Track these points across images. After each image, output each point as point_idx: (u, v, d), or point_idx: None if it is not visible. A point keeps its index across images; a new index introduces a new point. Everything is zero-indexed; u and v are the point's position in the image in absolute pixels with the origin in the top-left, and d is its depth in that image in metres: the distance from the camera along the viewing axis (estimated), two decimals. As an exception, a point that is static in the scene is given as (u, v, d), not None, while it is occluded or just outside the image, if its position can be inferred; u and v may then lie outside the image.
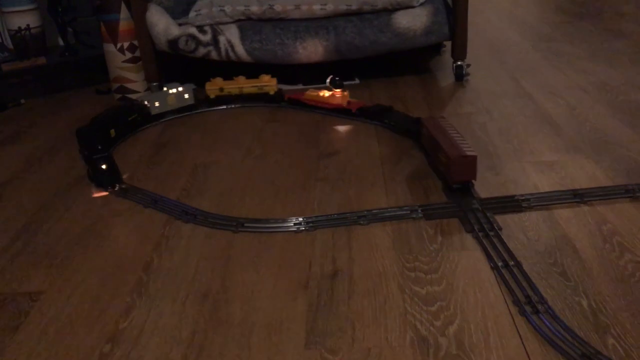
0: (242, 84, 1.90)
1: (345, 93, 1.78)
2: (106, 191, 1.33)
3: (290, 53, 1.95)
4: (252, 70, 1.96)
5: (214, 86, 1.90)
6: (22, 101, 2.12)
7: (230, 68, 2.01)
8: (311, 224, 1.18)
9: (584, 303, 0.91)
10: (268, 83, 1.89)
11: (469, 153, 1.24)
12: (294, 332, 0.90)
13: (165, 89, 1.83)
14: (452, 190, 1.27)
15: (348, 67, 2.13)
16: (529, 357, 0.82)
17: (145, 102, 1.79)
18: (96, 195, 1.27)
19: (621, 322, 0.86)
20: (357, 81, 2.09)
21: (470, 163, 1.24)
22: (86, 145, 1.47)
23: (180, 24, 1.96)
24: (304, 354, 0.85)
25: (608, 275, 0.97)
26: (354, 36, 1.94)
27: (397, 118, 1.68)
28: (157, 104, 1.80)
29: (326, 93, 1.79)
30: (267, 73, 1.91)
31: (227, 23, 1.96)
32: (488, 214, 1.16)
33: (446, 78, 2.08)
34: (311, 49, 1.95)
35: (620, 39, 2.40)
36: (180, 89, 1.85)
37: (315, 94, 1.82)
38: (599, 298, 0.92)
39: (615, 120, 1.60)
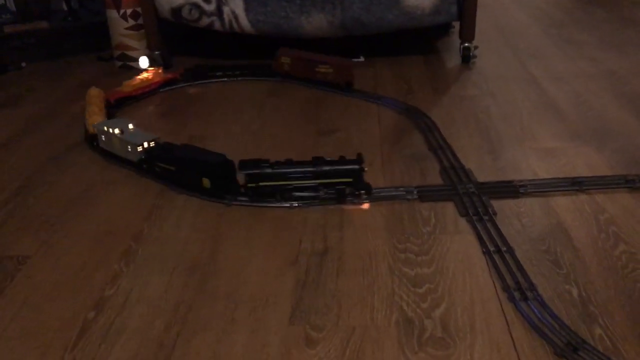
0: (99, 104, 1.57)
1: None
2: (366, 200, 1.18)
3: (295, 27, 1.92)
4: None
5: (94, 119, 1.47)
6: (23, 64, 2.10)
7: (233, 39, 1.98)
8: (305, 201, 1.17)
9: (574, 292, 0.90)
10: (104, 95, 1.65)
11: (348, 61, 1.83)
12: (280, 307, 0.89)
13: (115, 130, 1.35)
14: (341, 89, 1.75)
15: (353, 44, 2.10)
16: (514, 343, 0.81)
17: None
18: (365, 206, 1.15)
19: (610, 313, 0.85)
20: (361, 59, 2.06)
21: (351, 67, 1.78)
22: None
23: (184, -7, 1.92)
24: (288, 329, 0.84)
25: (601, 265, 0.96)
26: (360, 12, 1.90)
27: (230, 69, 1.93)
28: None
29: (149, 74, 1.83)
30: (268, 46, 1.88)
31: (232, -7, 1.92)
32: (484, 198, 1.15)
33: (453, 59, 2.05)
34: (316, 24, 1.91)
35: (633, 27, 2.36)
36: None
37: (138, 81, 1.78)
38: (590, 287, 0.91)
39: (621, 109, 1.57)
